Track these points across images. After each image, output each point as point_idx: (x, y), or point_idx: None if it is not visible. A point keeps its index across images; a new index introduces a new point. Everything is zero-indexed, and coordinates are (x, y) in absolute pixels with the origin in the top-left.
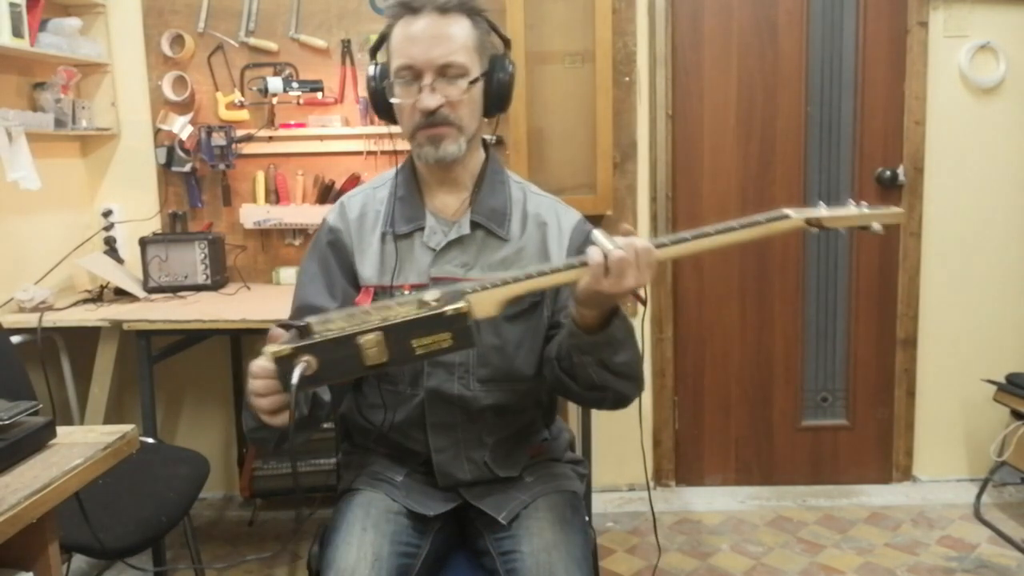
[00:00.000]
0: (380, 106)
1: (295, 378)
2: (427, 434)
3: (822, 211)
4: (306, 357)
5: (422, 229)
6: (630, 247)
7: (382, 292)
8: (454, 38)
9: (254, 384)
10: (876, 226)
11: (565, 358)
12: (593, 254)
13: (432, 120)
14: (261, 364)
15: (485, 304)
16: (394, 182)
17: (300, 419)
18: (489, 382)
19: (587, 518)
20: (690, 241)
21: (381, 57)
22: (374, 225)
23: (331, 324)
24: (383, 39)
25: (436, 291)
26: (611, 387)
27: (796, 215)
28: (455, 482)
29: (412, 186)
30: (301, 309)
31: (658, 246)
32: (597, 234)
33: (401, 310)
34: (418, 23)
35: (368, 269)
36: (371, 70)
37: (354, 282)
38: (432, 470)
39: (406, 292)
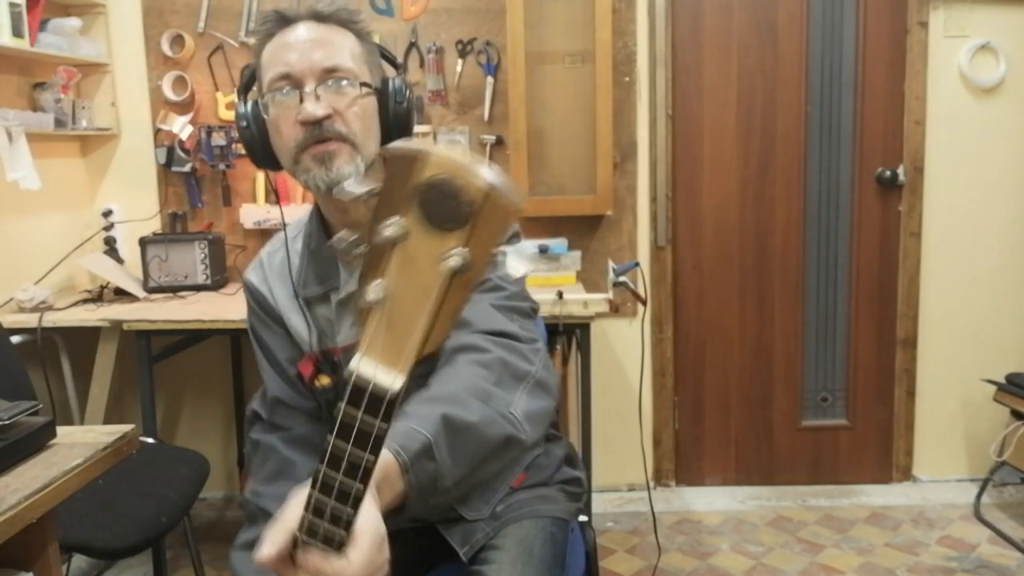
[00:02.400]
0: (256, 148)
1: None
2: None
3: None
4: None
5: (336, 288)
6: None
7: (323, 357)
8: (337, 44)
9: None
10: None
11: None
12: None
13: (319, 134)
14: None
15: None
16: (304, 233)
17: None
18: None
19: (566, 547)
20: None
21: (253, 96)
22: (289, 284)
23: None
24: (253, 74)
25: None
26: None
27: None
28: (420, 520)
29: (321, 236)
30: (269, 392)
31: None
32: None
33: None
34: (293, 31)
35: (303, 335)
36: (240, 108)
37: (292, 341)
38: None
39: (337, 358)
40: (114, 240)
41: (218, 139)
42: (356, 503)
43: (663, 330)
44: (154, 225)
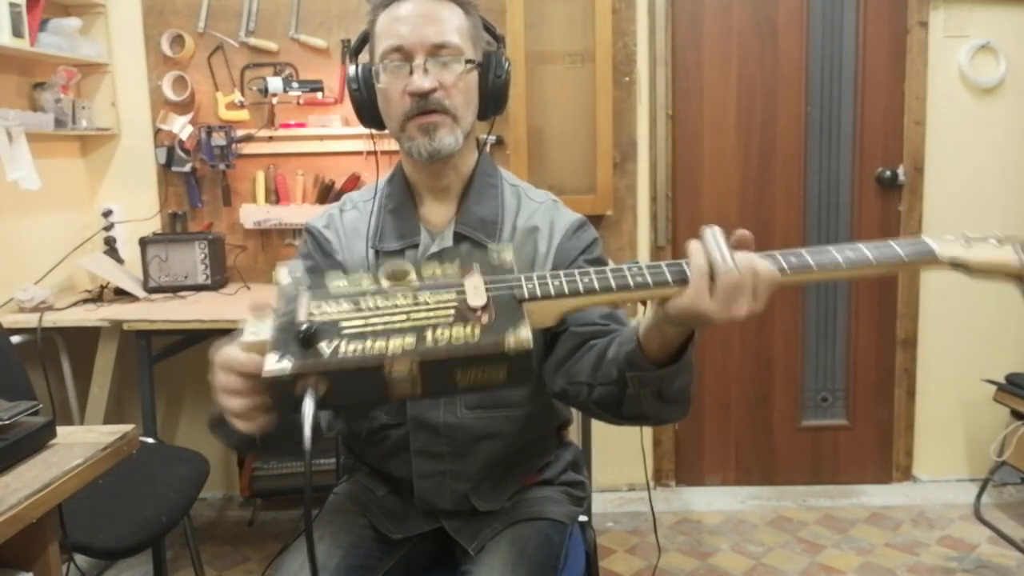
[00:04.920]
0: (364, 109)
1: (308, 410)
2: (411, 459)
3: (971, 254)
4: (314, 380)
5: (416, 246)
6: (749, 270)
7: None
8: (446, 20)
9: (225, 381)
10: None
11: (611, 384)
12: (697, 258)
13: (424, 106)
14: (233, 356)
15: (543, 315)
16: (382, 193)
17: (283, 436)
18: (478, 408)
19: (562, 549)
20: (815, 272)
21: (363, 59)
22: (365, 242)
23: (341, 322)
24: (364, 39)
25: (478, 281)
26: (660, 416)
27: (941, 253)
28: (434, 509)
29: (405, 197)
30: None
31: (780, 270)
32: (709, 235)
33: (436, 315)
34: (406, 5)
35: None
36: (351, 71)
37: None
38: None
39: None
40: (114, 240)
41: (218, 139)
42: None
43: None
44: (154, 225)
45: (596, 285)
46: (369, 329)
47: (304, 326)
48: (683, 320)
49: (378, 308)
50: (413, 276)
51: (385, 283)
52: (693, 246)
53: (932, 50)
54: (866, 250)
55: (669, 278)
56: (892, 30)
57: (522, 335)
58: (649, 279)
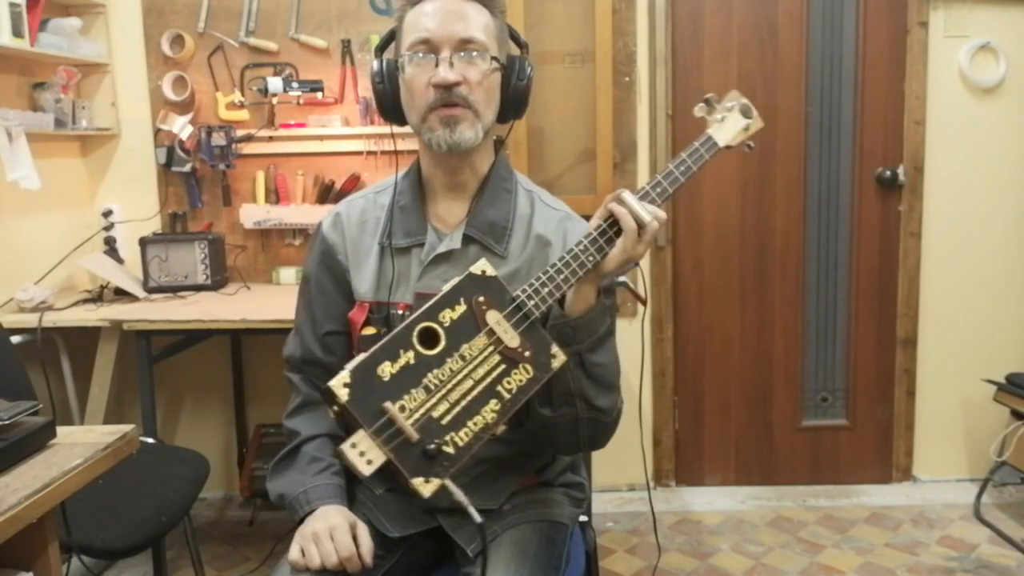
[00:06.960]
0: (386, 103)
1: (455, 489)
2: None
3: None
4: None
5: (421, 245)
6: (660, 218)
7: (377, 308)
8: (474, 18)
9: (333, 546)
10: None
11: None
12: (627, 220)
13: (447, 98)
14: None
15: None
16: (396, 189)
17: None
18: None
19: (564, 550)
20: (671, 192)
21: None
22: (373, 235)
23: (432, 413)
24: (392, 35)
25: (498, 317)
26: (586, 395)
27: (721, 143)
28: (431, 505)
29: (416, 194)
30: (302, 342)
31: (653, 202)
32: (631, 199)
33: (489, 364)
34: (434, 3)
35: (364, 284)
36: (375, 66)
37: (349, 296)
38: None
39: (400, 311)
40: (114, 240)
41: (218, 139)
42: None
43: (663, 330)
44: (154, 225)
45: (572, 279)
46: (458, 408)
47: (429, 446)
48: (616, 270)
49: (442, 382)
50: (440, 331)
51: (421, 348)
52: (617, 210)
53: (932, 50)
54: (684, 154)
55: (605, 247)
56: (892, 30)
57: (560, 357)
58: (596, 255)
